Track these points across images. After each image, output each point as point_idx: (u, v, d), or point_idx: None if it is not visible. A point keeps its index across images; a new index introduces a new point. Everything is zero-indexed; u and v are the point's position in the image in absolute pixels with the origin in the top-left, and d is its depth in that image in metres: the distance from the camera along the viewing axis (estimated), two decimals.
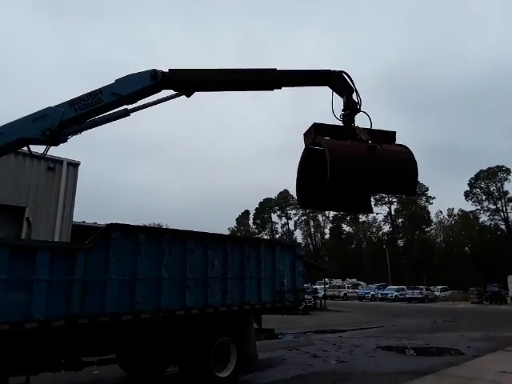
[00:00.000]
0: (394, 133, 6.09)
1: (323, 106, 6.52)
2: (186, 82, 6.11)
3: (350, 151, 5.39)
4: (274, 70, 6.20)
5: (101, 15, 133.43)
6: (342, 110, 6.15)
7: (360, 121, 6.08)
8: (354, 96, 6.17)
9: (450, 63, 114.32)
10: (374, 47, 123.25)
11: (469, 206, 79.76)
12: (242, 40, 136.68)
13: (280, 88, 6.37)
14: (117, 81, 5.80)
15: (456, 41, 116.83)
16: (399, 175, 5.56)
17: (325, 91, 6.35)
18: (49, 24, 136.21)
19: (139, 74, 5.86)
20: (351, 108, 6.08)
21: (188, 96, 6.23)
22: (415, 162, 5.61)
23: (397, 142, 6.02)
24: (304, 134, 6.05)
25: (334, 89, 6.27)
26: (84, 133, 5.93)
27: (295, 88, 6.79)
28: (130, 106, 6.00)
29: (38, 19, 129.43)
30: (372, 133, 5.87)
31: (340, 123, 6.09)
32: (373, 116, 5.96)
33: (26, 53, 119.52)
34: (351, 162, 5.32)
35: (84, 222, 17.21)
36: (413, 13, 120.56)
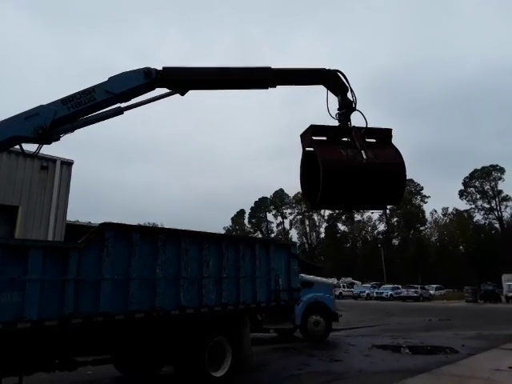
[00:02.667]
0: (390, 130, 6.05)
1: (318, 106, 6.50)
2: (180, 80, 6.04)
3: (343, 170, 5.37)
4: (269, 68, 6.16)
5: (99, 19, 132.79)
6: (338, 109, 6.12)
7: (356, 120, 6.07)
8: (349, 95, 6.16)
9: (440, 66, 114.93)
10: (365, 51, 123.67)
11: (463, 205, 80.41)
12: (237, 44, 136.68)
13: (275, 87, 6.34)
14: (110, 79, 5.73)
15: (445, 44, 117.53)
16: (388, 191, 5.65)
17: (319, 91, 6.33)
18: (48, 27, 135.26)
19: (133, 71, 5.80)
20: (347, 107, 6.05)
21: (182, 94, 6.17)
22: (405, 175, 5.68)
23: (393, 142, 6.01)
24: (301, 136, 5.96)
25: (329, 88, 6.22)
26: (77, 131, 5.87)
27: (291, 87, 6.76)
28: (123, 104, 5.93)
29: (37, 22, 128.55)
30: (368, 131, 5.85)
31: (336, 122, 6.06)
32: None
33: (25, 54, 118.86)
34: (344, 180, 5.36)
35: (78, 221, 17.10)
36: (401, 16, 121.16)
